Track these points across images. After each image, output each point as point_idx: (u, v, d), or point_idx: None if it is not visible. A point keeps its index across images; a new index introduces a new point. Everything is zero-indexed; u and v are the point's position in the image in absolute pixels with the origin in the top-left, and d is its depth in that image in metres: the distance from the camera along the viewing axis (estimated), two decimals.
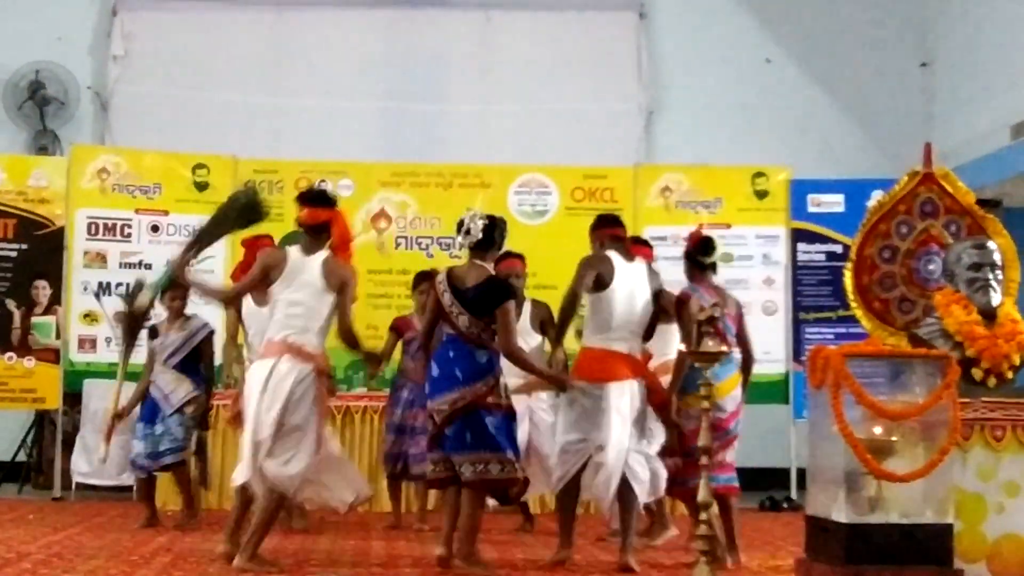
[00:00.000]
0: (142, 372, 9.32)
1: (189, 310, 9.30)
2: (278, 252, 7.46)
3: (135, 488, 9.59)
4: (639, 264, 7.54)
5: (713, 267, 7.75)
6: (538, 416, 8.91)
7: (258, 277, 7.30)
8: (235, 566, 6.96)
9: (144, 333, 9.28)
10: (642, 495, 7.30)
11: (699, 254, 7.70)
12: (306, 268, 7.14)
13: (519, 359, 7.20)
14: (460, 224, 7.32)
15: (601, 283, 7.32)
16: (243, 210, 7.76)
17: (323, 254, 7.17)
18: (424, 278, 9.33)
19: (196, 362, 9.18)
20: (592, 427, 7.21)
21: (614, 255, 7.44)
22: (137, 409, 9.32)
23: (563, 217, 11.76)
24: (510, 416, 7.17)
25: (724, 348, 6.88)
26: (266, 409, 6.97)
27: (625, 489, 7.21)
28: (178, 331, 9.17)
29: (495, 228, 7.32)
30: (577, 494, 7.46)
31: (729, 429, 7.49)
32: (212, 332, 9.30)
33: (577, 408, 7.32)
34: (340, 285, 7.13)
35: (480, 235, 7.22)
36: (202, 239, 7.67)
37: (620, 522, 7.34)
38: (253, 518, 7.13)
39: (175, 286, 8.92)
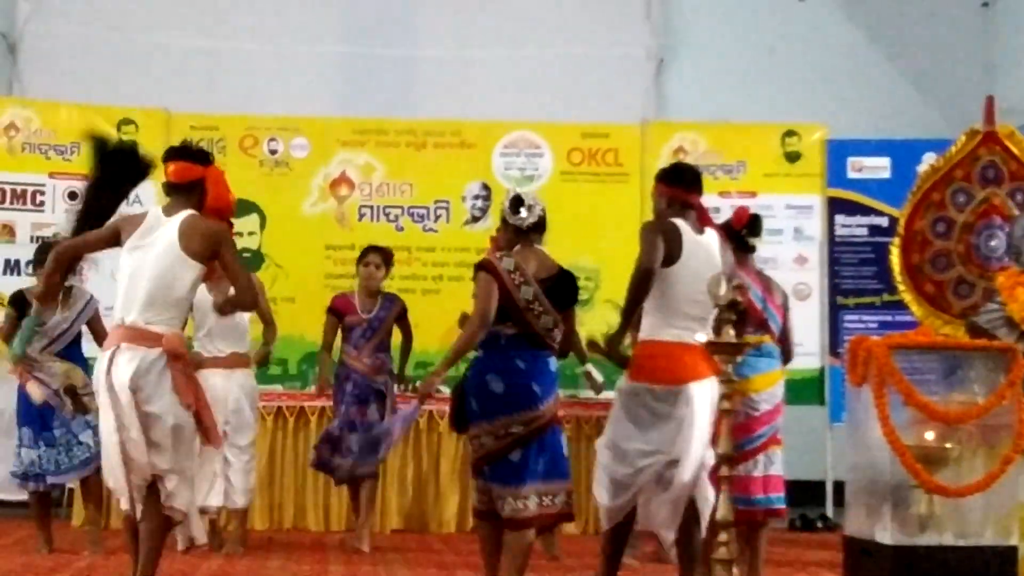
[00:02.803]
0: None
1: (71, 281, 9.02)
2: (138, 213, 6.97)
3: (31, 506, 9.20)
4: (711, 236, 7.09)
5: (754, 250, 7.81)
6: None
7: (104, 236, 6.88)
8: None
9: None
10: (707, 514, 7.06)
11: (749, 234, 7.76)
12: (161, 227, 6.72)
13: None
14: (517, 201, 7.20)
15: (668, 258, 6.87)
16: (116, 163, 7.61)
17: (185, 212, 6.75)
18: (377, 250, 9.53)
19: (81, 343, 9.05)
20: (666, 437, 6.78)
21: (682, 224, 6.97)
22: (12, 410, 9.20)
23: (557, 183, 11.76)
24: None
25: (764, 337, 6.97)
26: (122, 419, 6.53)
27: (690, 513, 6.84)
28: (62, 310, 8.96)
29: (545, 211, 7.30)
30: (631, 528, 7.01)
31: (760, 433, 7.54)
32: (98, 306, 9.04)
33: (644, 412, 6.87)
34: (208, 245, 6.67)
35: (540, 213, 7.19)
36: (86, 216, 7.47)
37: (682, 556, 6.90)
38: (142, 547, 6.68)
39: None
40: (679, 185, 7.16)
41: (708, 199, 11.20)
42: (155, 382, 6.51)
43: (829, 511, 11.30)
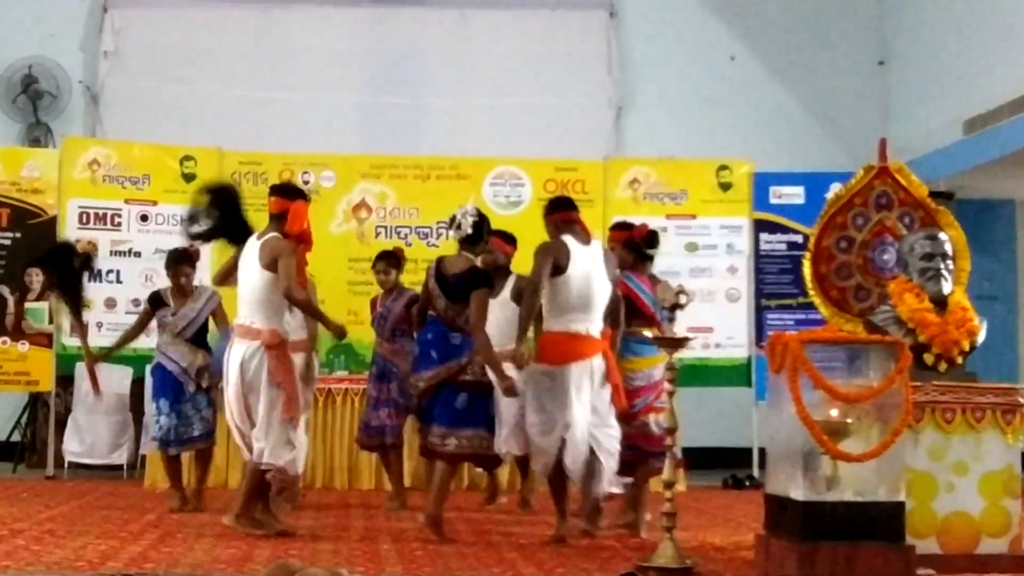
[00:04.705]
0: (128, 330, 9.27)
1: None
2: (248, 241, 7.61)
3: (169, 468, 9.04)
4: (595, 246, 7.48)
5: (652, 259, 7.91)
6: None
7: (232, 263, 7.65)
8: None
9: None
10: (612, 465, 7.32)
11: (647, 246, 7.89)
12: (252, 250, 7.39)
13: (481, 343, 7.37)
14: (452, 219, 7.67)
15: (558, 269, 7.26)
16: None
17: (270, 235, 7.36)
18: (383, 257, 9.44)
19: (207, 332, 8.98)
20: (557, 407, 7.22)
21: (570, 239, 7.36)
22: (148, 383, 9.34)
23: (536, 208, 11.53)
24: (483, 393, 7.43)
25: (652, 330, 7.29)
26: (231, 394, 7.32)
27: (592, 460, 7.27)
28: (191, 302, 8.90)
29: (483, 224, 7.64)
30: (564, 472, 7.41)
31: (635, 403, 7.65)
32: (220, 300, 8.94)
33: (542, 389, 7.31)
34: (271, 256, 7.25)
35: (469, 230, 7.59)
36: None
37: (583, 491, 7.41)
38: (242, 484, 7.53)
39: (180, 262, 8.86)
40: (562, 211, 7.52)
41: (656, 220, 11.62)
42: (256, 366, 7.22)
43: (755, 472, 11.29)
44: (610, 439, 7.31)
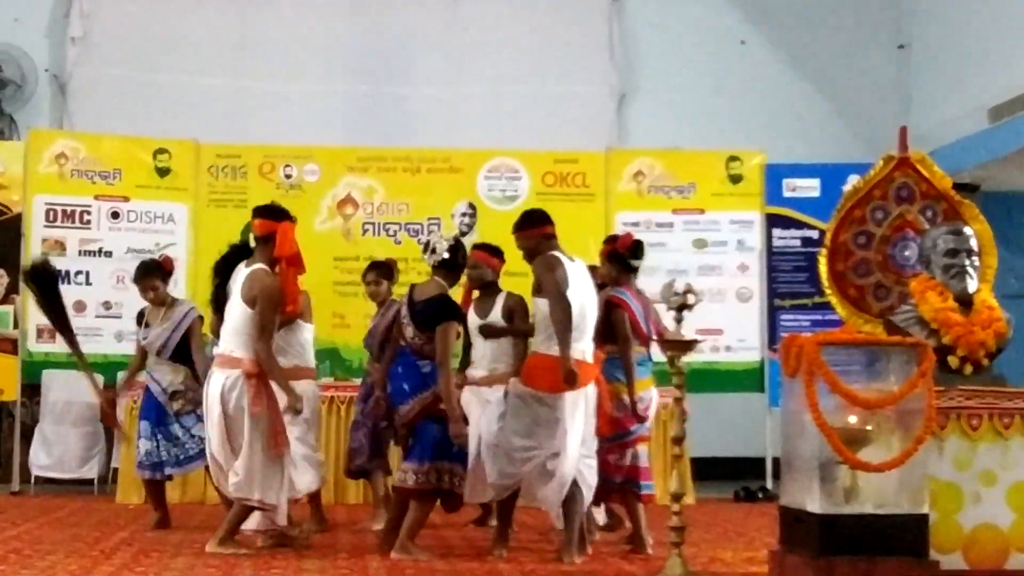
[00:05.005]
0: (131, 359, 9.21)
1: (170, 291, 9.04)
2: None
3: (148, 491, 8.95)
4: (580, 264, 7.42)
5: (636, 271, 7.87)
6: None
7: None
8: (207, 550, 7.30)
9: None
10: (589, 497, 7.40)
11: (631, 257, 7.85)
12: (239, 278, 7.44)
13: (443, 377, 7.28)
14: (426, 244, 7.63)
15: None
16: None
17: (256, 266, 7.40)
18: (374, 267, 9.31)
19: (189, 349, 8.80)
20: (547, 435, 7.19)
21: (562, 256, 7.30)
22: (134, 405, 9.39)
23: (534, 203, 11.61)
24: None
25: (640, 348, 7.51)
26: (210, 423, 7.39)
27: (573, 491, 7.27)
28: (162, 322, 8.72)
29: (459, 251, 7.59)
30: (516, 496, 7.53)
31: (632, 429, 7.61)
32: (200, 316, 8.80)
33: (529, 414, 7.24)
34: (252, 298, 7.30)
35: (445, 255, 7.52)
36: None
37: (565, 522, 7.35)
38: (229, 514, 7.49)
39: (147, 274, 8.73)
40: (540, 225, 7.51)
41: (663, 215, 11.59)
42: (237, 396, 7.27)
43: (769, 484, 11.28)
44: (592, 472, 7.36)
